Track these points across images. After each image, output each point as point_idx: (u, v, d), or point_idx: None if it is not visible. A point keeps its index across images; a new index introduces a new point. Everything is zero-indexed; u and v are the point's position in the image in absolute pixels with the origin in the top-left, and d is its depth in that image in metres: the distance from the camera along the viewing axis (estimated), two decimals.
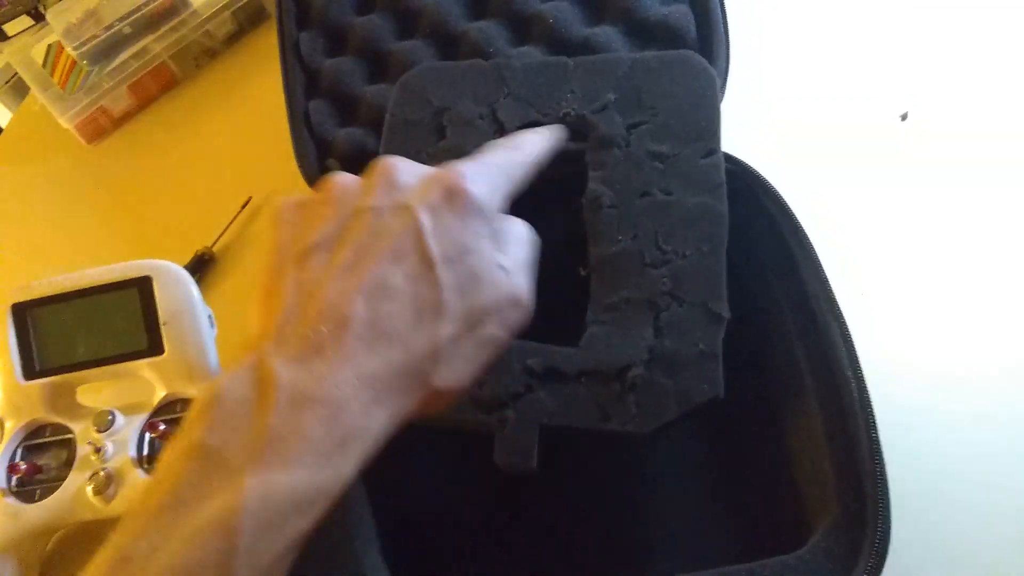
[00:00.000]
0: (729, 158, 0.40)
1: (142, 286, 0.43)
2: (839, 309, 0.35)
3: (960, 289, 0.42)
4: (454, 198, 0.28)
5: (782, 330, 0.36)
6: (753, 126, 0.49)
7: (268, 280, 0.28)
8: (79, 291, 0.43)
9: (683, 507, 0.36)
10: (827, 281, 0.36)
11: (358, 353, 0.25)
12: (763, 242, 0.38)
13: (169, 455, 0.24)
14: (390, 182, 0.29)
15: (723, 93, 0.44)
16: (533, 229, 0.31)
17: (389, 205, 0.28)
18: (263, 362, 0.25)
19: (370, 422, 0.25)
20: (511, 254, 0.29)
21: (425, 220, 0.27)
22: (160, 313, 0.42)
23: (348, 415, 0.24)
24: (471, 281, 0.27)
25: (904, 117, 0.49)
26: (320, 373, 0.25)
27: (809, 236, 0.37)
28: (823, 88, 0.52)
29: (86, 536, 0.45)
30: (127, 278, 0.43)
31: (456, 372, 0.27)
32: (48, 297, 0.44)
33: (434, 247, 0.27)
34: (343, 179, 0.30)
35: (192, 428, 0.24)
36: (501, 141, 0.34)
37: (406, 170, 0.30)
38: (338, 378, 0.25)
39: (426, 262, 0.27)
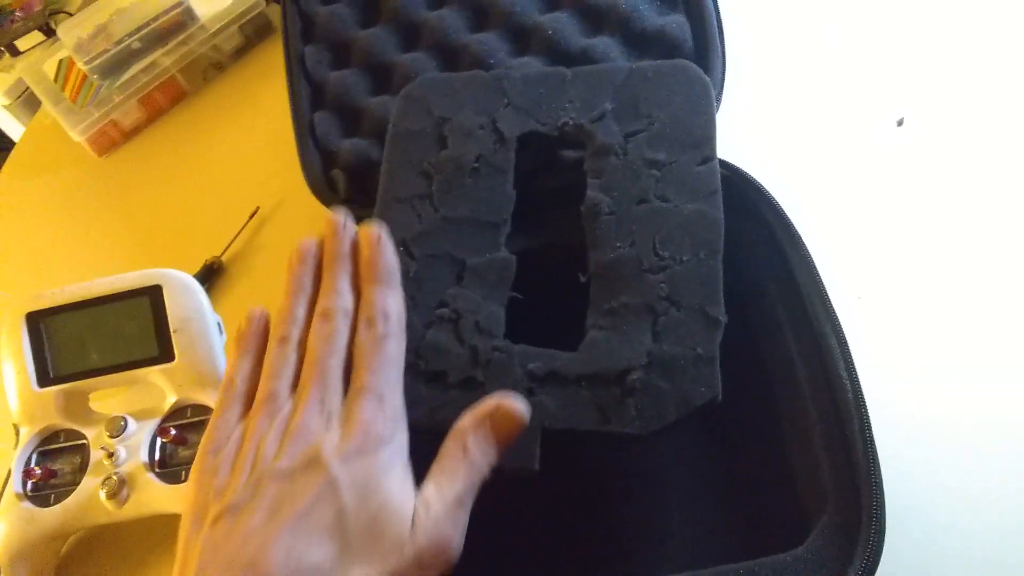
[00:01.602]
0: (725, 165, 0.41)
1: (153, 294, 0.44)
2: (834, 312, 0.35)
3: (956, 293, 0.43)
4: (362, 441, 0.29)
5: (778, 333, 0.37)
6: (749, 133, 0.50)
7: (183, 540, 0.29)
8: (91, 300, 0.44)
9: (682, 507, 0.36)
10: (823, 285, 0.36)
11: None
12: (759, 247, 0.39)
13: None
14: (300, 432, 0.30)
15: (719, 101, 0.45)
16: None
17: (300, 464, 0.29)
18: None
19: None
20: (440, 491, 0.30)
21: (335, 469, 0.28)
22: (170, 321, 0.43)
23: None
24: (384, 531, 0.28)
25: (900, 123, 0.50)
26: None
27: (806, 241, 0.38)
28: (819, 95, 0.53)
29: (100, 540, 0.46)
30: (138, 287, 0.44)
31: None
32: (61, 306, 0.45)
33: (347, 501, 0.28)
34: (263, 422, 0.31)
35: None
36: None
37: (316, 422, 0.30)
38: None
39: (339, 520, 0.27)
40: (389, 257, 0.34)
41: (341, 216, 0.36)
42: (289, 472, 0.28)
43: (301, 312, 0.34)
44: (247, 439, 0.31)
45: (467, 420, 0.31)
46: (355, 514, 0.27)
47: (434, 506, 0.29)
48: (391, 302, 0.33)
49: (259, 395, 0.32)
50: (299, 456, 0.29)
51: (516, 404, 0.31)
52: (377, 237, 0.35)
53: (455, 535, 0.29)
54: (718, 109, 0.44)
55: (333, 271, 0.34)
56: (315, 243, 0.36)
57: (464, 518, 0.30)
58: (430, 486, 0.30)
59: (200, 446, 0.32)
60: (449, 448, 0.31)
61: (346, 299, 0.33)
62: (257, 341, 0.34)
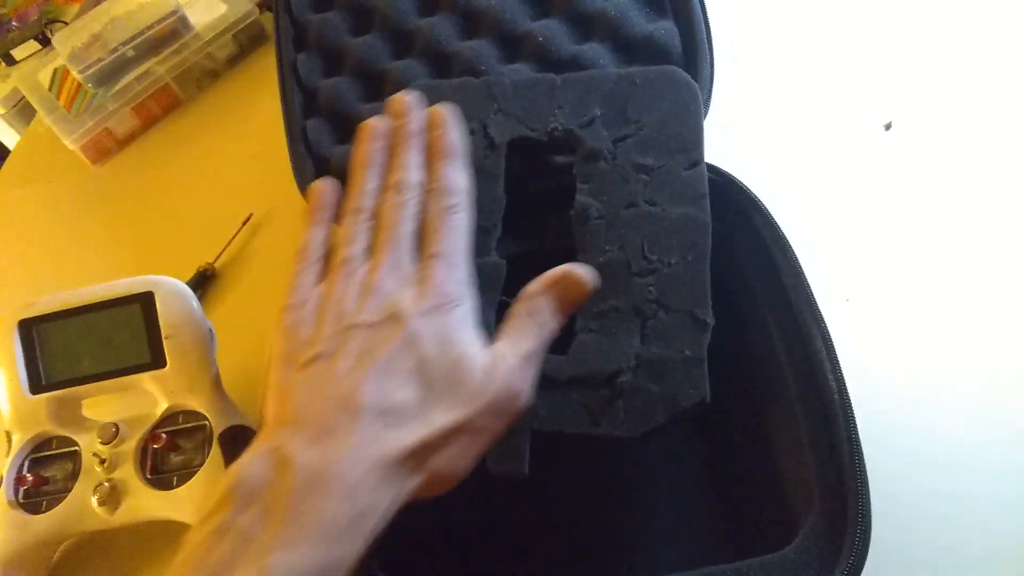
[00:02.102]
0: (713, 169, 0.41)
1: (145, 301, 0.44)
2: (820, 315, 0.35)
3: (944, 295, 0.43)
4: (439, 298, 0.31)
5: (766, 335, 0.37)
6: (738, 138, 0.50)
7: (278, 379, 0.31)
8: (84, 307, 0.44)
9: (670, 509, 0.36)
10: (809, 288, 0.36)
11: (369, 437, 0.28)
12: (747, 250, 0.39)
13: (196, 535, 0.26)
14: (378, 291, 0.32)
15: (708, 106, 0.45)
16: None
17: (381, 318, 0.31)
18: (281, 446, 0.27)
19: (380, 500, 0.27)
20: (513, 346, 0.32)
21: (415, 324, 0.30)
22: (162, 327, 0.43)
23: (360, 494, 0.26)
24: (462, 379, 0.30)
25: (888, 127, 0.50)
26: (335, 455, 0.27)
27: (794, 245, 0.38)
28: (807, 99, 0.53)
29: (92, 547, 0.46)
30: (130, 294, 0.44)
31: (454, 460, 0.30)
32: (54, 313, 0.45)
33: (428, 350, 0.30)
34: (341, 282, 0.33)
35: (217, 509, 0.26)
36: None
37: (392, 279, 0.32)
38: (352, 459, 0.27)
39: (421, 366, 0.30)
40: (456, 135, 0.37)
41: (411, 96, 0.38)
42: (372, 324, 0.30)
43: (372, 186, 0.36)
44: (328, 297, 0.32)
45: (536, 284, 0.34)
46: (435, 363, 0.30)
47: (508, 359, 0.31)
48: (460, 176, 0.36)
49: (335, 259, 0.34)
50: (380, 311, 0.31)
51: (583, 271, 0.34)
52: (445, 117, 0.37)
53: (525, 387, 0.31)
54: (706, 114, 0.45)
55: (404, 147, 0.36)
56: (384, 122, 0.37)
57: (533, 374, 0.32)
58: (503, 342, 0.32)
59: (283, 305, 0.33)
60: (519, 309, 0.33)
61: (417, 173, 0.35)
62: (328, 212, 0.36)
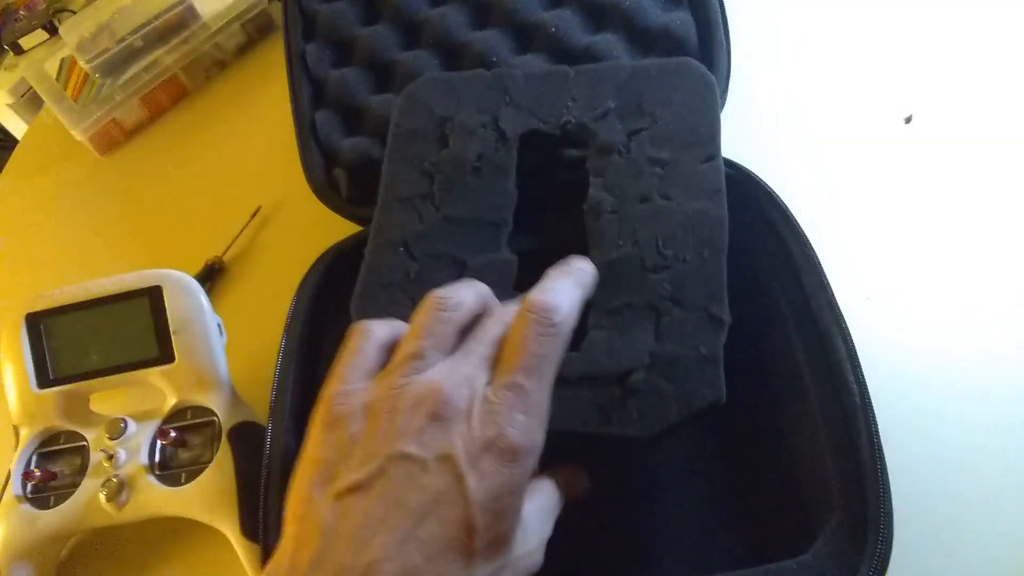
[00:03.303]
0: (730, 163, 0.40)
1: (153, 295, 0.43)
2: (840, 313, 0.35)
3: (965, 292, 0.42)
4: (503, 450, 0.27)
5: (784, 334, 0.36)
6: (755, 131, 0.49)
7: (301, 497, 0.28)
8: (91, 301, 0.44)
9: (684, 511, 0.36)
10: (828, 285, 0.36)
11: None
12: (764, 246, 0.38)
13: None
14: (439, 414, 0.27)
15: (724, 98, 0.44)
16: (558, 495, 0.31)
17: (432, 456, 0.26)
18: None
19: None
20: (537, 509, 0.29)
21: (468, 476, 0.26)
22: (170, 322, 0.43)
23: None
24: (502, 538, 0.27)
25: (908, 120, 0.49)
26: None
27: (812, 240, 0.38)
28: (825, 92, 0.52)
29: (100, 542, 0.46)
30: (138, 288, 0.44)
31: None
32: (61, 307, 0.44)
33: (476, 505, 0.26)
34: (397, 389, 0.28)
35: None
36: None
37: (459, 396, 0.28)
38: None
39: (463, 521, 0.26)
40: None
41: None
42: (419, 460, 0.26)
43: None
44: (382, 396, 0.28)
45: (559, 465, 0.32)
46: (481, 527, 0.26)
47: (533, 523, 0.29)
48: (565, 294, 0.31)
49: (402, 350, 0.30)
50: (433, 447, 0.27)
51: (586, 477, 0.33)
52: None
53: (542, 548, 0.29)
54: (723, 107, 0.44)
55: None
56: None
57: (547, 535, 0.30)
58: (531, 508, 0.29)
59: (328, 386, 0.30)
60: (545, 483, 0.31)
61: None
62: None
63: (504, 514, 0.26)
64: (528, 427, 0.27)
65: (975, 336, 0.41)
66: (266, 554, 0.36)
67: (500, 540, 0.26)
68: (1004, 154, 0.47)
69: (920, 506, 0.34)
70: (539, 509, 0.29)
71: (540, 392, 0.28)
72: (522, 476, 0.27)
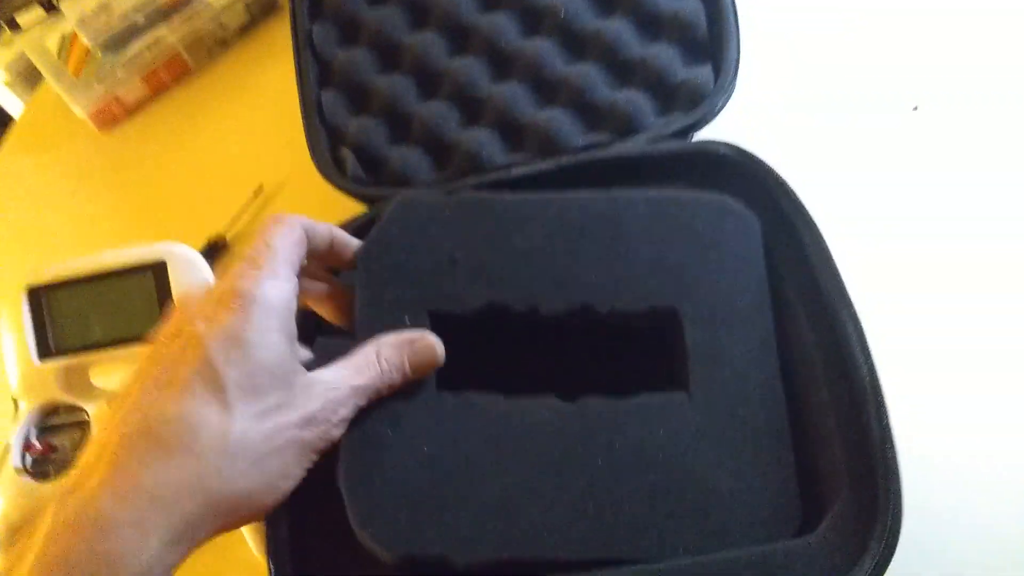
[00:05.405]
0: (739, 151, 0.40)
1: (157, 270, 0.43)
2: (849, 297, 0.35)
3: (975, 279, 0.42)
4: (226, 293, 0.30)
5: (795, 322, 0.36)
6: (763, 119, 0.49)
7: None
8: (95, 274, 0.44)
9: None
10: (839, 273, 0.36)
11: (126, 470, 0.26)
12: (774, 232, 0.38)
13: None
14: (176, 315, 0.31)
15: (733, 86, 0.44)
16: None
17: (169, 333, 0.30)
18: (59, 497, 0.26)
19: (139, 544, 0.25)
20: (341, 376, 0.31)
21: (200, 325, 0.29)
22: (174, 296, 0.43)
23: (112, 536, 0.24)
24: (256, 372, 0.29)
25: (916, 109, 0.49)
26: (86, 496, 0.25)
27: (821, 227, 0.38)
28: (834, 80, 0.52)
29: None
30: (142, 262, 0.43)
31: (250, 476, 0.27)
32: (64, 280, 0.44)
33: (211, 345, 0.28)
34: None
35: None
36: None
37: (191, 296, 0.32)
38: (101, 498, 0.25)
39: (204, 359, 0.28)
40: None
41: None
42: (175, 333, 0.30)
43: None
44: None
45: (391, 335, 0.33)
46: (221, 362, 0.28)
47: (331, 382, 0.31)
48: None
49: None
50: (182, 321, 0.30)
51: (437, 342, 0.33)
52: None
53: (344, 416, 0.31)
54: (732, 94, 0.44)
55: None
56: None
57: (353, 410, 0.31)
58: (333, 369, 0.31)
59: None
60: (365, 350, 0.32)
61: None
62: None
63: (248, 353, 0.28)
64: (250, 276, 0.30)
65: (987, 319, 0.41)
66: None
67: (251, 377, 0.28)
68: (1013, 142, 0.47)
69: (931, 490, 0.34)
70: (341, 368, 0.31)
71: (269, 259, 0.31)
72: (257, 318, 0.29)
